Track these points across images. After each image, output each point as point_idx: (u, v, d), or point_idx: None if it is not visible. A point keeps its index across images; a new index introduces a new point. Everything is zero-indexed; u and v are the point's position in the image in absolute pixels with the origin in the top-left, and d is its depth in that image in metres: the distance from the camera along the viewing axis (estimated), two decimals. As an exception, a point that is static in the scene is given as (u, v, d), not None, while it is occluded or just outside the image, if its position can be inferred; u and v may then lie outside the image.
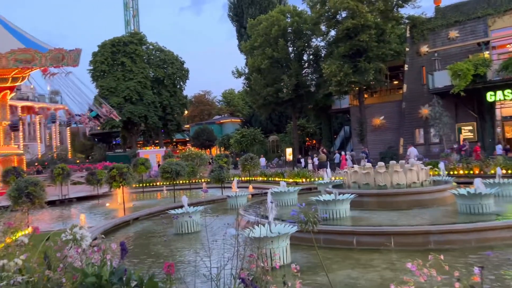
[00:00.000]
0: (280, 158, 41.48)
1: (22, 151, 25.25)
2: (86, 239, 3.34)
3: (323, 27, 33.44)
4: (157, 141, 58.07)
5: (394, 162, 11.23)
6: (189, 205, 11.18)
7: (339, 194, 9.19)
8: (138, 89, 49.55)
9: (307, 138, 47.77)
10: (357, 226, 8.11)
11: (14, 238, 8.43)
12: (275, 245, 6.42)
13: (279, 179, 21.58)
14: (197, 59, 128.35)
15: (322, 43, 36.83)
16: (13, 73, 22.14)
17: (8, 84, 22.80)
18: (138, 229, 11.92)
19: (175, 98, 54.86)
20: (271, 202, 6.76)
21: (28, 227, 10.28)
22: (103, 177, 17.84)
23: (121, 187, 14.54)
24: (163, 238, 9.85)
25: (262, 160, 34.74)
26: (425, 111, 30.30)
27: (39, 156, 53.46)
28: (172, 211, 10.68)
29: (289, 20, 37.43)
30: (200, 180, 23.46)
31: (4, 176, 18.69)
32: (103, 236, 4.52)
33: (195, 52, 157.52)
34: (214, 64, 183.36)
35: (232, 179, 18.90)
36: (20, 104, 48.94)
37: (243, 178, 22.72)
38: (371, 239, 7.43)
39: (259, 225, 6.89)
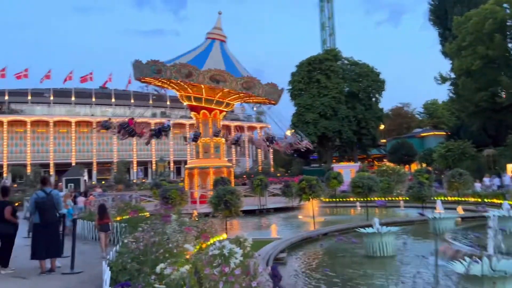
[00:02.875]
0: (500, 176, 34.53)
1: (230, 164, 28.20)
2: (236, 256, 2.69)
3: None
4: (351, 157, 57.16)
5: None
6: (382, 224, 9.84)
7: None
8: (333, 105, 49.91)
9: (537, 153, 38.49)
10: None
11: (208, 243, 8.71)
12: (500, 290, 4.60)
13: (498, 201, 17.57)
14: (395, 71, 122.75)
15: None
16: (229, 98, 25.07)
17: (221, 108, 25.92)
18: (326, 245, 11.20)
19: (370, 112, 53.00)
20: (498, 229, 4.95)
21: (224, 233, 10.85)
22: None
23: (311, 199, 14.18)
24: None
25: (507, 178, 27.59)
26: None
27: (247, 169, 59.84)
28: (362, 230, 9.54)
29: (508, 11, 31.30)
30: (397, 198, 21.32)
31: (214, 185, 21.01)
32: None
33: (393, 65, 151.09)
34: (414, 75, 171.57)
35: (435, 198, 16.39)
36: (232, 124, 55.94)
37: (449, 198, 19.53)
38: None
39: (473, 257, 5.15)
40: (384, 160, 57.46)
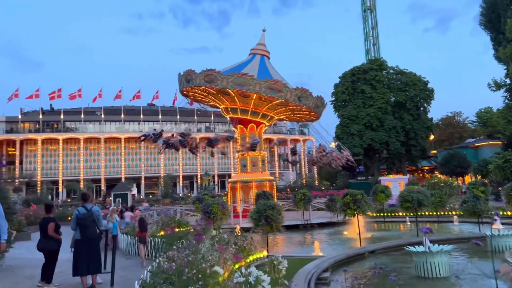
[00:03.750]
0: None
1: (273, 178, 27.89)
2: (263, 285, 2.45)
3: None
4: (400, 169, 55.04)
5: None
6: (434, 242, 9.17)
7: None
8: (379, 115, 48.53)
9: None
10: None
11: (248, 260, 8.43)
12: None
13: None
14: (444, 79, 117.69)
15: None
16: (275, 111, 25.01)
17: (265, 121, 25.86)
18: (373, 264, 10.60)
19: (419, 122, 50.97)
20: None
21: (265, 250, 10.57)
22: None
23: (356, 215, 13.59)
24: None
25: None
26: None
27: (291, 183, 59.20)
28: (411, 248, 8.92)
29: None
30: (450, 212, 20.07)
31: (256, 199, 20.81)
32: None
33: (442, 73, 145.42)
34: (465, 83, 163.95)
35: (492, 213, 15.21)
36: (275, 137, 55.75)
37: (508, 213, 18.08)
38: None
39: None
40: (436, 172, 54.81)
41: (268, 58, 27.23)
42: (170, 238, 8.34)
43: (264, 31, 27.73)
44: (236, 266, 6.99)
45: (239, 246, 7.73)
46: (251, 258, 8.43)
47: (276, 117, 26.60)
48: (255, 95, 22.78)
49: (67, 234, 8.70)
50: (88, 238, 6.89)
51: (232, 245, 7.46)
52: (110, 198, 28.61)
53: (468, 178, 48.59)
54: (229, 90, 22.72)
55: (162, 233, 11.94)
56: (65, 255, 8.71)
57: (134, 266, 9.75)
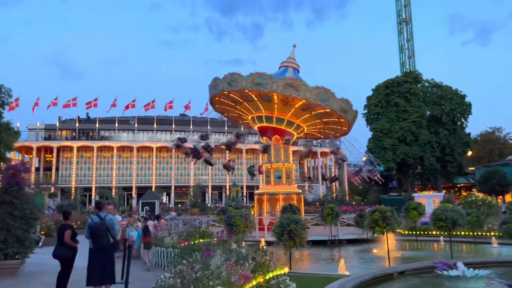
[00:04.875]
0: None
1: (300, 191, 27.34)
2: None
3: None
4: (435, 185, 52.96)
5: None
6: (468, 265, 8.44)
7: None
8: (413, 129, 47.05)
9: None
10: None
11: (266, 277, 8.00)
12: None
13: None
14: (484, 93, 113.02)
15: None
16: (300, 119, 24.65)
17: (292, 129, 25.49)
18: (402, 286, 9.95)
19: (455, 137, 49.01)
20: None
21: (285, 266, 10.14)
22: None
23: (385, 233, 12.92)
24: None
25: None
26: None
27: (321, 196, 58.18)
28: (444, 271, 8.24)
29: None
30: (488, 233, 18.88)
31: (282, 212, 20.36)
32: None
33: (482, 87, 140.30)
34: (507, 97, 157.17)
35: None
36: (304, 149, 54.95)
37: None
38: None
39: None
40: (473, 189, 52.37)
41: (298, 71, 27.01)
42: (183, 251, 8.12)
43: (294, 46, 27.75)
44: (254, 282, 6.62)
45: (257, 261, 7.33)
46: (270, 275, 7.97)
47: (305, 127, 26.08)
48: (276, 96, 22.43)
49: (87, 242, 8.67)
50: (101, 247, 6.76)
51: (249, 261, 7.07)
52: (134, 207, 28.88)
53: (508, 197, 46.09)
54: (251, 95, 22.66)
55: (182, 245, 11.75)
56: (85, 263, 8.65)
57: (152, 277, 9.58)
